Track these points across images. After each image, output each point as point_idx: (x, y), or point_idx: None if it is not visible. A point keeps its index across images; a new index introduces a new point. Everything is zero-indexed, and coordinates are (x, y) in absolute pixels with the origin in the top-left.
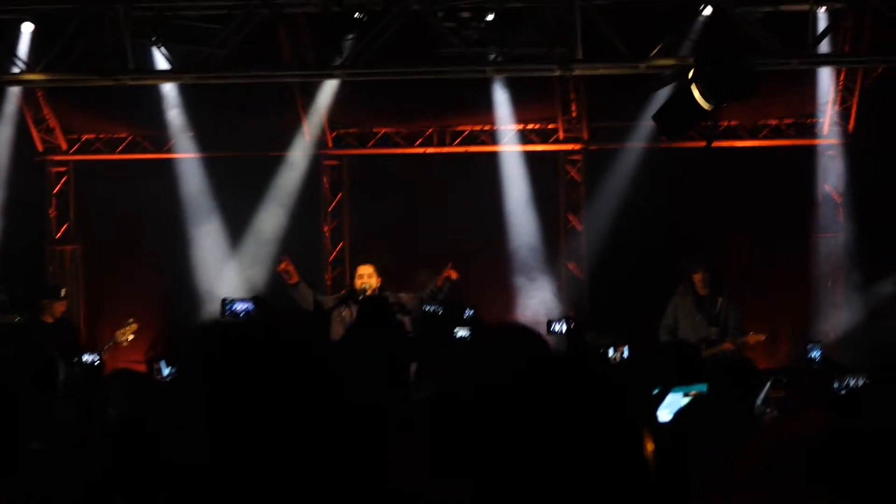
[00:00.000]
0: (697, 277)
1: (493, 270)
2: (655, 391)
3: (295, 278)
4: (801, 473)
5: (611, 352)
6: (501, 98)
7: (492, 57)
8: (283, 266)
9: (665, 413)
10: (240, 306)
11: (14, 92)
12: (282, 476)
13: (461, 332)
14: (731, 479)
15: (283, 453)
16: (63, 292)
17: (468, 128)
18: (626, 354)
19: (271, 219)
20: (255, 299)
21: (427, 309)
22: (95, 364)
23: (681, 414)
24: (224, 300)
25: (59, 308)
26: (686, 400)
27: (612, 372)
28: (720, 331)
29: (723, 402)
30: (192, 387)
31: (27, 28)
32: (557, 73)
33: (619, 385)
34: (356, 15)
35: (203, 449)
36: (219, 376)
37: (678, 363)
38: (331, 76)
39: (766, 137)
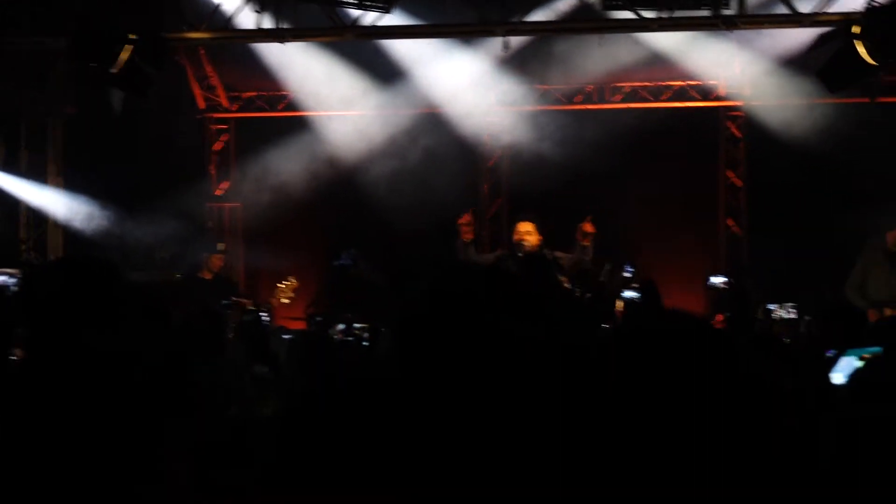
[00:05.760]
0: (891, 236)
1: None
2: (829, 353)
3: (471, 235)
4: None
5: (773, 307)
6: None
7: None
8: (466, 219)
9: (839, 377)
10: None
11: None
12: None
13: (627, 294)
14: None
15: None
16: (221, 246)
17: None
18: (790, 312)
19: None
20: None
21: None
22: (264, 321)
23: (856, 377)
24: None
25: (217, 262)
26: (860, 363)
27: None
28: None
29: None
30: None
31: None
32: (722, 29)
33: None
34: None
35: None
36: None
37: (846, 326)
38: (492, 33)
39: None
